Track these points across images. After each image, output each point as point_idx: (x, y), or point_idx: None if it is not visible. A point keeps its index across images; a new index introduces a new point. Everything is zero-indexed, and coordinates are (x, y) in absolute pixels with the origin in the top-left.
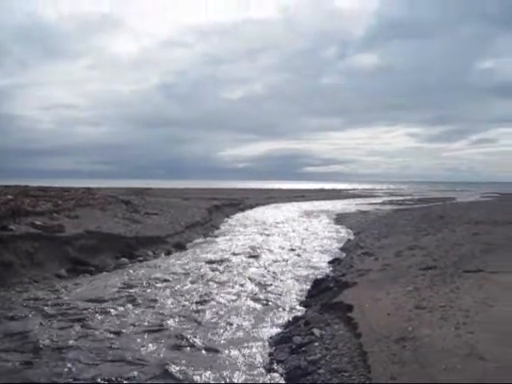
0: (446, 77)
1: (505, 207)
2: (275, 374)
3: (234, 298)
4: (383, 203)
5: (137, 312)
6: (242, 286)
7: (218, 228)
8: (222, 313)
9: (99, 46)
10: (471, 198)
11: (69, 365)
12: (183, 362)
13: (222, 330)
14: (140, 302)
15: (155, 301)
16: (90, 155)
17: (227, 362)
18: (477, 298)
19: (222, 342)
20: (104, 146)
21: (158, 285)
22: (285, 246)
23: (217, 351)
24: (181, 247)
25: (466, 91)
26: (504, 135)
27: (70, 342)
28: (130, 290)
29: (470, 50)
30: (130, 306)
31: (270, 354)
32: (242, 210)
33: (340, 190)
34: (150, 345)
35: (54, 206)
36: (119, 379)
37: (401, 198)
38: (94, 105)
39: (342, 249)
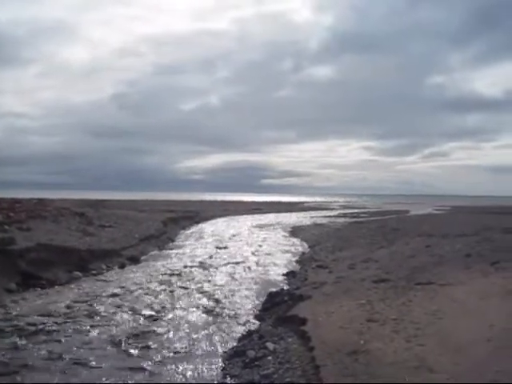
0: (398, 91)
1: (455, 220)
2: None
3: (187, 311)
4: (338, 216)
5: (87, 327)
6: (195, 299)
7: (173, 241)
8: (174, 327)
9: (51, 53)
10: (424, 211)
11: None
12: (131, 378)
13: (174, 345)
14: (91, 316)
15: (106, 315)
16: (43, 165)
17: (179, 378)
18: (427, 311)
19: (174, 356)
20: (57, 157)
21: (110, 299)
22: (239, 258)
23: (168, 366)
24: (135, 260)
25: (417, 106)
26: (455, 149)
27: (19, 358)
28: (82, 305)
29: (422, 64)
30: (81, 320)
31: (223, 369)
32: (198, 222)
33: (296, 203)
34: (100, 361)
35: (4, 217)
36: None
37: (355, 210)
38: (46, 114)
39: (296, 262)
